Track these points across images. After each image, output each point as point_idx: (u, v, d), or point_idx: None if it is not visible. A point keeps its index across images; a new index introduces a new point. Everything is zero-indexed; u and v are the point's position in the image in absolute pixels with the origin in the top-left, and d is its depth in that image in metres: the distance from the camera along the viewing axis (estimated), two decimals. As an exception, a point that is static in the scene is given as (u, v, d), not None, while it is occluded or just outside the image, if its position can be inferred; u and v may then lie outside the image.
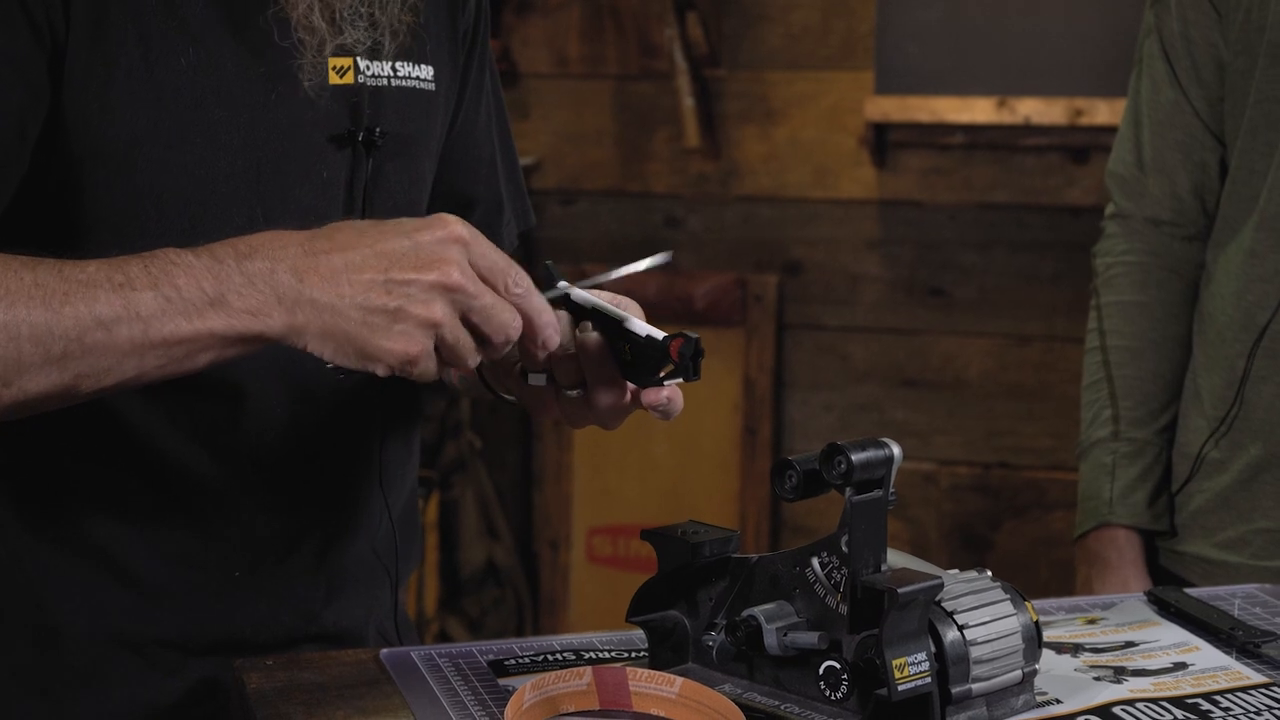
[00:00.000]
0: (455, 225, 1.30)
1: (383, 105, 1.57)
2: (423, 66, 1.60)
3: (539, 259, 1.39)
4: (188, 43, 1.45)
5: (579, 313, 1.40)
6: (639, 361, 1.37)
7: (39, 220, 1.44)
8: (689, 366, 1.35)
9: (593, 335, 1.37)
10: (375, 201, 1.57)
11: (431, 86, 1.62)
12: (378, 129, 1.55)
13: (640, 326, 1.37)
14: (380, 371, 1.29)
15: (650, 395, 1.38)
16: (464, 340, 1.30)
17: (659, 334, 1.37)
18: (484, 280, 1.30)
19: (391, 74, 1.57)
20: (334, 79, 1.52)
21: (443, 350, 1.30)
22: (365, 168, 1.55)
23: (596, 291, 1.41)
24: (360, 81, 1.54)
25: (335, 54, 1.52)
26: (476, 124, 1.75)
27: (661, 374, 1.37)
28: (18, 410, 1.31)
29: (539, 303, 1.33)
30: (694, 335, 1.35)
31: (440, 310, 1.28)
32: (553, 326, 1.34)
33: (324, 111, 1.52)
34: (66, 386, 1.30)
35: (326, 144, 1.53)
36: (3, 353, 1.27)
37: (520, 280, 1.32)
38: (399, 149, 1.59)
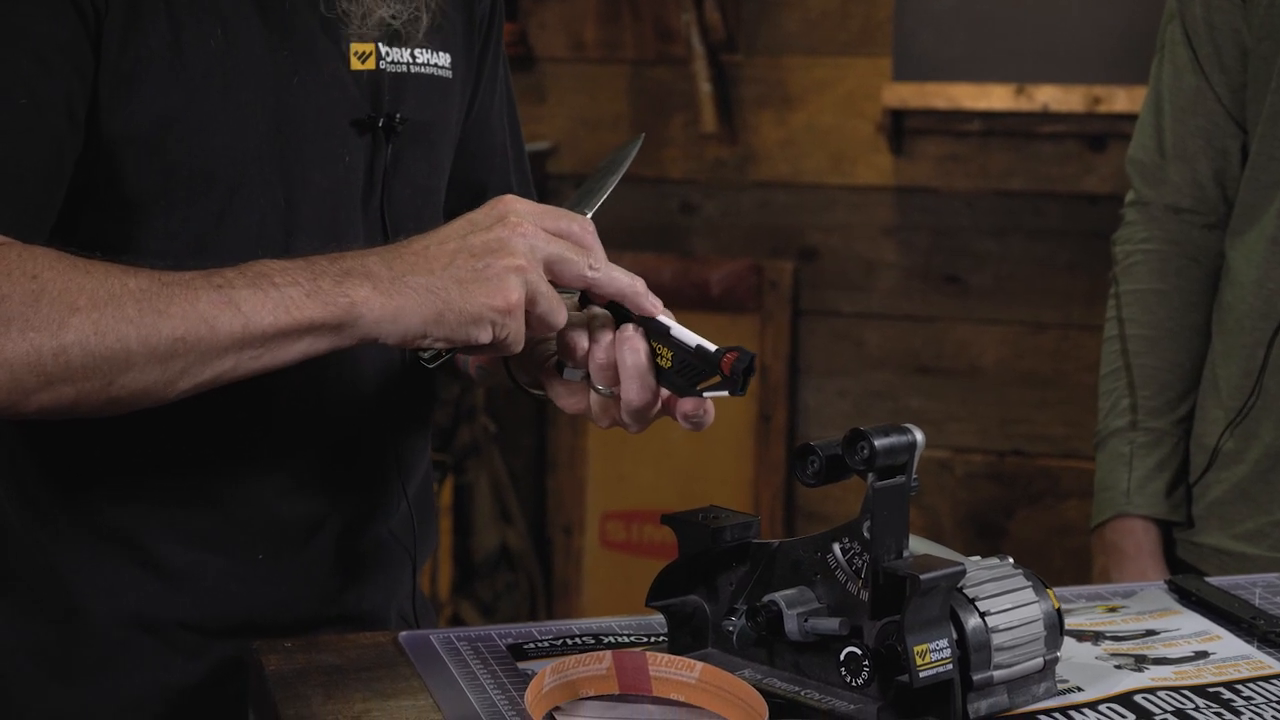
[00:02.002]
0: (510, 197, 1.38)
1: (403, 92, 1.57)
2: (441, 54, 1.61)
3: None
4: (217, 24, 1.45)
5: (623, 315, 1.40)
6: (681, 370, 1.37)
7: (82, 204, 1.44)
8: (739, 381, 1.34)
9: (634, 338, 1.38)
10: (394, 187, 1.57)
11: (449, 74, 1.62)
12: (398, 115, 1.55)
13: (689, 336, 1.37)
14: (483, 337, 1.34)
15: (688, 405, 1.38)
16: (551, 291, 1.36)
17: (710, 345, 1.36)
18: (553, 234, 1.37)
19: (411, 60, 1.57)
20: (356, 65, 1.53)
21: (533, 304, 1.35)
22: (385, 153, 1.56)
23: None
24: (381, 68, 1.55)
25: (360, 39, 1.52)
26: (491, 112, 1.75)
27: (702, 385, 1.36)
28: (115, 406, 1.34)
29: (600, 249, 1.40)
30: (750, 351, 1.35)
31: (522, 255, 1.34)
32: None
33: (345, 97, 1.53)
34: (166, 383, 1.33)
35: (347, 129, 1.54)
36: (110, 353, 1.31)
37: (590, 226, 1.39)
38: (418, 135, 1.59)
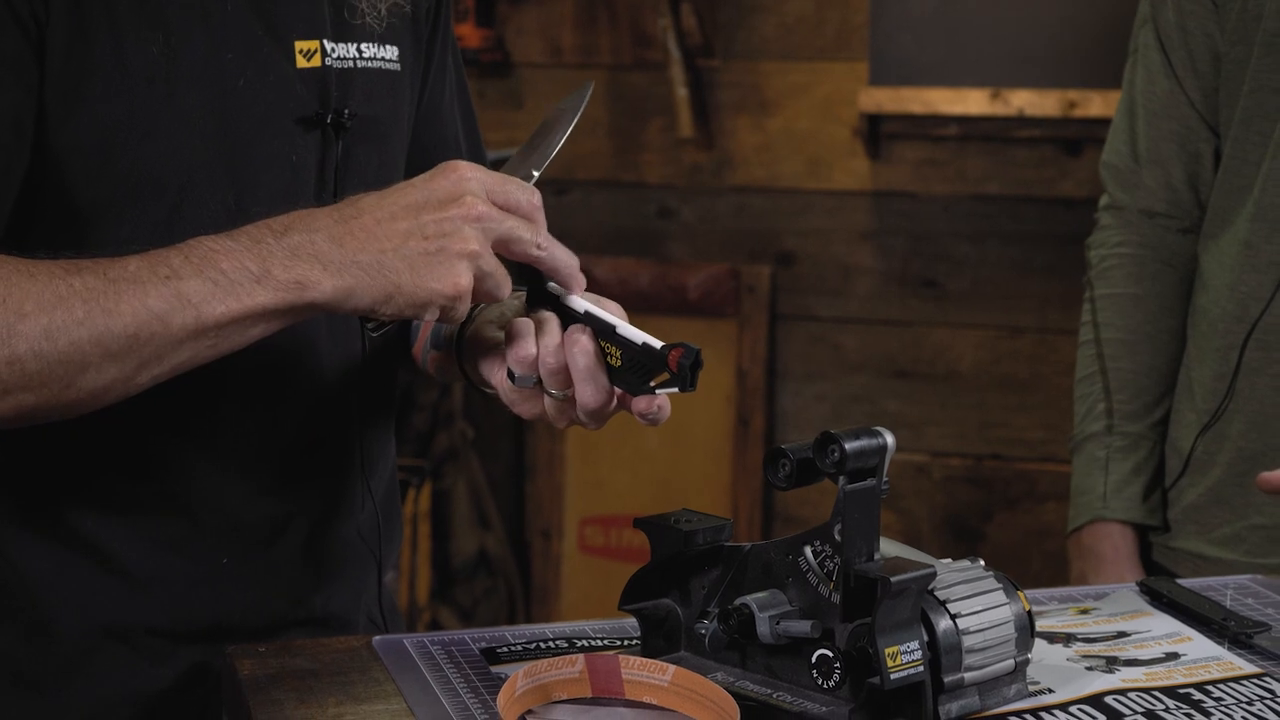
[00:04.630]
0: (463, 167, 1.37)
1: (351, 87, 1.57)
2: (388, 47, 1.61)
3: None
4: (159, 31, 1.44)
5: (569, 317, 1.40)
6: (631, 368, 1.37)
7: (31, 216, 1.44)
8: (687, 377, 1.35)
9: (582, 339, 1.38)
10: (346, 184, 1.57)
11: (397, 67, 1.62)
12: (346, 111, 1.55)
13: (635, 334, 1.37)
14: (429, 317, 1.36)
15: (640, 404, 1.38)
16: (498, 268, 1.37)
17: (655, 342, 1.36)
18: (504, 208, 1.37)
19: (357, 55, 1.57)
20: (301, 62, 1.52)
21: (480, 282, 1.36)
22: (335, 150, 1.55)
23: (590, 296, 1.42)
24: (327, 64, 1.54)
25: (303, 36, 1.52)
26: (442, 103, 1.75)
27: (654, 383, 1.37)
28: (80, 406, 1.35)
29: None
30: (694, 346, 1.35)
31: (475, 240, 1.35)
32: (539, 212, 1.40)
33: (292, 95, 1.52)
34: (126, 378, 1.34)
35: (295, 127, 1.53)
36: (64, 356, 1.31)
37: (537, 197, 1.40)
38: (368, 130, 1.59)
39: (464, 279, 1.34)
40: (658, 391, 1.37)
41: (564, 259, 1.41)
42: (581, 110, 1.51)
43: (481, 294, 1.37)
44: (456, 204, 1.35)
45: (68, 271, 1.32)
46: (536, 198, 1.40)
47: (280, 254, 1.33)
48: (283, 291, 1.33)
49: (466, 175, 1.37)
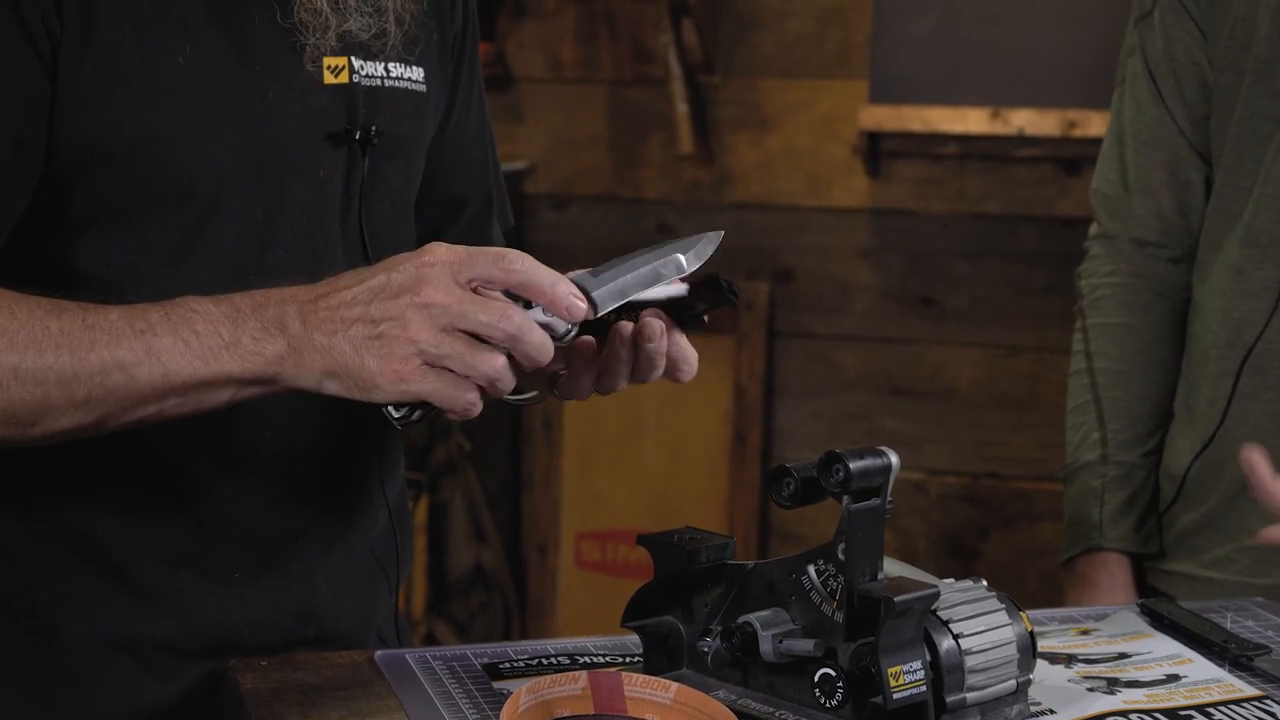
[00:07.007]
0: (437, 250, 1.35)
1: (378, 105, 1.57)
2: (415, 68, 1.61)
3: None
4: (184, 40, 1.45)
5: (601, 331, 1.44)
6: (675, 317, 1.45)
7: (53, 222, 1.44)
8: (724, 295, 1.44)
9: (585, 339, 1.43)
10: (371, 200, 1.57)
11: (423, 88, 1.63)
12: (374, 128, 1.55)
13: (657, 293, 1.42)
14: (379, 398, 1.34)
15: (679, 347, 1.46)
16: (458, 351, 1.32)
17: (681, 289, 1.43)
18: (481, 290, 1.33)
19: (385, 74, 1.58)
20: (329, 78, 1.53)
21: (442, 363, 1.32)
22: (361, 166, 1.56)
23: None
24: (355, 81, 1.55)
25: (332, 53, 1.52)
26: (467, 126, 1.76)
27: (699, 311, 1.45)
28: (44, 441, 1.40)
29: (542, 276, 1.34)
30: (715, 274, 1.44)
31: (417, 327, 1.31)
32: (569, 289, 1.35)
33: (320, 110, 1.52)
34: (91, 425, 1.39)
35: (323, 142, 1.53)
36: (30, 397, 1.36)
37: (515, 262, 1.34)
38: (394, 148, 1.59)
39: (405, 364, 1.32)
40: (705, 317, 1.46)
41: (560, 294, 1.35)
42: (698, 253, 1.46)
43: (453, 372, 1.33)
44: (411, 291, 1.32)
45: (48, 313, 1.37)
46: (514, 262, 1.33)
47: (252, 326, 1.35)
48: (247, 362, 1.35)
49: (431, 261, 1.33)
